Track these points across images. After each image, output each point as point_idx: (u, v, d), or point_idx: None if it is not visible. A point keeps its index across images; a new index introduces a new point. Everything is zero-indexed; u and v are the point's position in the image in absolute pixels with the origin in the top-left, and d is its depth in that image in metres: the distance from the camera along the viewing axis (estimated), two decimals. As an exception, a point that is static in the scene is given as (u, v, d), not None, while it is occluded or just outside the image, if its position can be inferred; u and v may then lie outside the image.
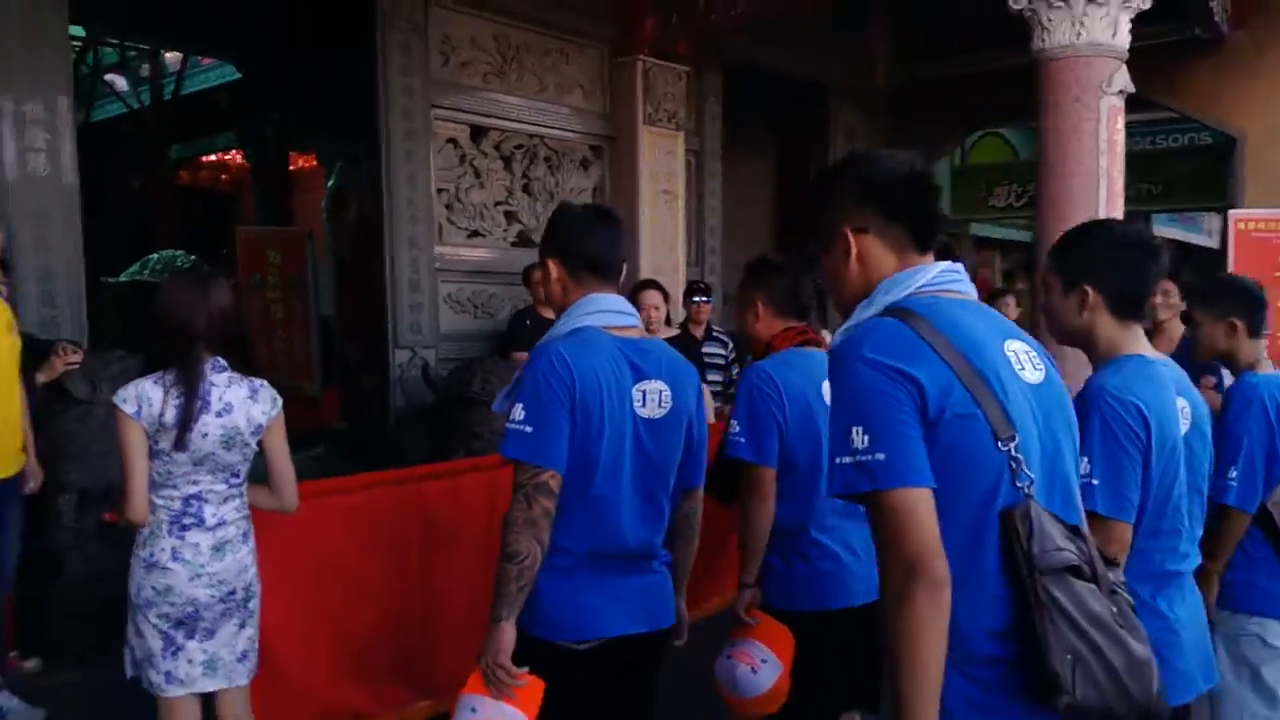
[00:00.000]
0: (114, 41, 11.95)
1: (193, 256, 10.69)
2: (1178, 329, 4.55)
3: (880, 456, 1.48)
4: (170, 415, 2.51)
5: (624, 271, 2.34)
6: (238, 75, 10.43)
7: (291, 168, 11.28)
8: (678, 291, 6.20)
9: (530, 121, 6.46)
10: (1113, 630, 1.50)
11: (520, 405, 2.11)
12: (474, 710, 2.13)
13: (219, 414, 2.57)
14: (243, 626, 2.69)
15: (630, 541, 2.21)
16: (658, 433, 2.22)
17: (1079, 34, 4.66)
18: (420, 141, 5.89)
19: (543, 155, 6.57)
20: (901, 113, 8.66)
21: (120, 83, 12.99)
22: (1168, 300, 4.55)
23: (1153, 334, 4.75)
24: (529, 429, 2.09)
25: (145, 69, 12.72)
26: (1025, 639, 1.48)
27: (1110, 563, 1.64)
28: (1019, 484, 1.51)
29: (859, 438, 1.50)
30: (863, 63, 8.42)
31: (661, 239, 6.72)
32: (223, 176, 14.18)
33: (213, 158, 13.60)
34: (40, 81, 4.62)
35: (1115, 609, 1.53)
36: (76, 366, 3.91)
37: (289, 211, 10.74)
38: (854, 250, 1.67)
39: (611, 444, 2.14)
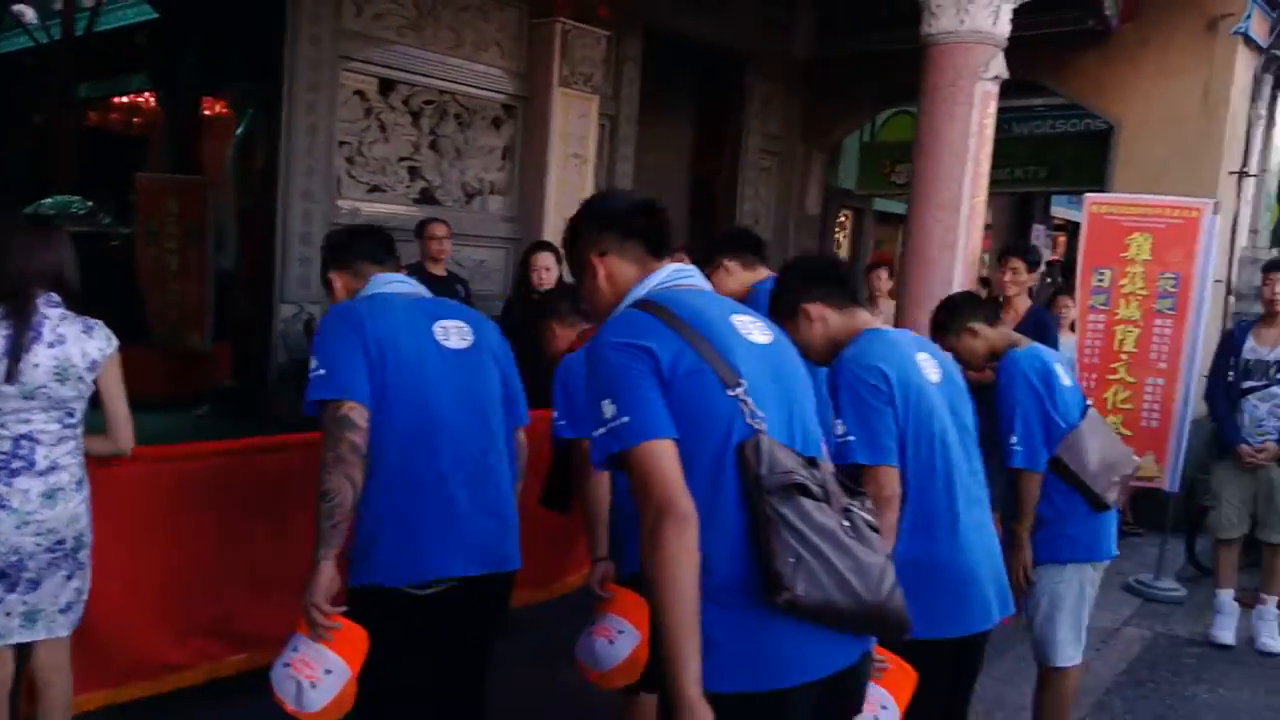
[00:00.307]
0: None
1: (89, 202, 10.41)
2: (1024, 304, 4.89)
3: (625, 420, 1.68)
4: (0, 346, 2.46)
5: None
6: (154, 15, 10.22)
7: (205, 113, 11.10)
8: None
9: (442, 77, 6.50)
10: (839, 539, 1.68)
11: (315, 359, 2.27)
12: (295, 649, 2.23)
13: (51, 345, 2.51)
14: (70, 578, 2.60)
15: (455, 474, 2.34)
16: (464, 363, 2.41)
17: (962, 20, 4.87)
18: (325, 92, 5.90)
19: (453, 112, 6.61)
20: (818, 86, 8.84)
21: (29, 14, 12.58)
22: (1015, 278, 4.86)
23: (1003, 307, 5.06)
24: (323, 371, 2.25)
25: (58, 2, 12.32)
26: (758, 552, 1.66)
27: (856, 493, 1.83)
28: (750, 421, 1.70)
29: (608, 409, 1.70)
30: (782, 33, 8.57)
31: (569, 201, 6.80)
32: (134, 119, 13.84)
33: (124, 99, 13.25)
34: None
35: (848, 523, 1.72)
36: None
37: (199, 159, 10.57)
38: (601, 271, 1.91)
39: (414, 376, 2.31)
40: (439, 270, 5.26)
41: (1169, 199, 5.46)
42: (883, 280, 6.43)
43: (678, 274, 1.90)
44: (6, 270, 2.53)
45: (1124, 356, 5.53)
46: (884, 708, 2.25)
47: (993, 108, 5.06)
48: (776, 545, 1.63)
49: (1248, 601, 4.91)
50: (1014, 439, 3.08)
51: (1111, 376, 5.56)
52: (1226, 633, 4.79)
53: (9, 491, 2.48)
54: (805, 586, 1.62)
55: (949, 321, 3.23)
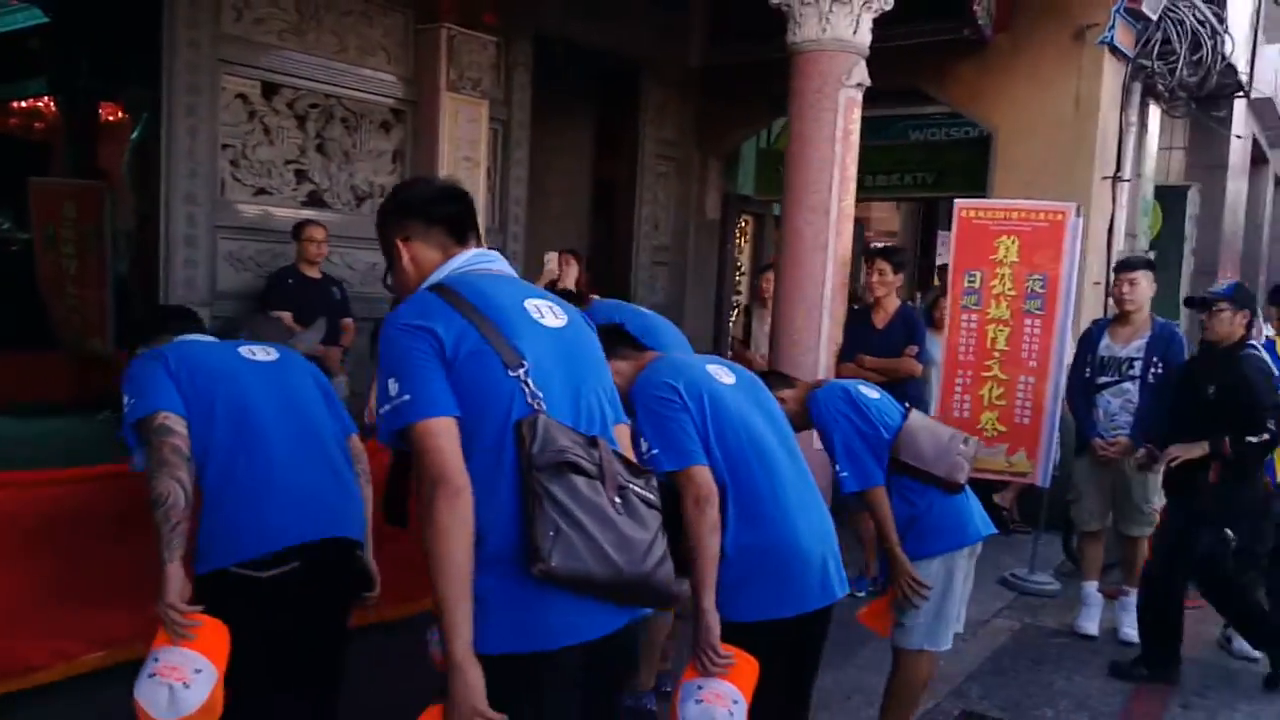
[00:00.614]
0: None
1: (-13, 210, 10.17)
2: (893, 303, 5.06)
3: (407, 397, 1.78)
4: None
5: None
6: (45, 19, 10.01)
7: (103, 118, 10.89)
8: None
9: (327, 81, 6.48)
10: (605, 514, 1.77)
11: (125, 391, 2.41)
12: (156, 659, 2.24)
13: None
14: None
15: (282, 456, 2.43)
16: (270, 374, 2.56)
17: (824, 29, 5.04)
18: (204, 96, 5.85)
19: (339, 116, 6.59)
20: (712, 92, 8.96)
21: (-81, 18, 12.22)
22: (882, 279, 5.04)
23: (873, 308, 5.21)
24: (132, 398, 2.39)
25: (-52, 4, 11.99)
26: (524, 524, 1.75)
27: (640, 472, 1.92)
28: (530, 401, 1.80)
29: (393, 387, 1.80)
30: (676, 40, 8.68)
31: (460, 206, 6.84)
32: (35, 124, 13.50)
33: (23, 104, 12.93)
34: None
35: (620, 500, 1.80)
36: None
37: (98, 163, 10.37)
38: (405, 255, 2.01)
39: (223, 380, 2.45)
40: (314, 273, 5.26)
41: (1035, 203, 5.68)
42: (771, 283, 6.57)
43: (477, 258, 1.99)
44: None
45: (997, 354, 5.74)
46: (735, 703, 2.32)
47: (856, 114, 5.23)
48: (538, 519, 1.72)
49: (1112, 594, 5.10)
50: (839, 468, 3.16)
51: (986, 374, 5.76)
52: (1090, 623, 4.98)
53: None
54: (561, 559, 1.71)
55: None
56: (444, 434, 1.76)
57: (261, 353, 2.58)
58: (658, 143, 8.88)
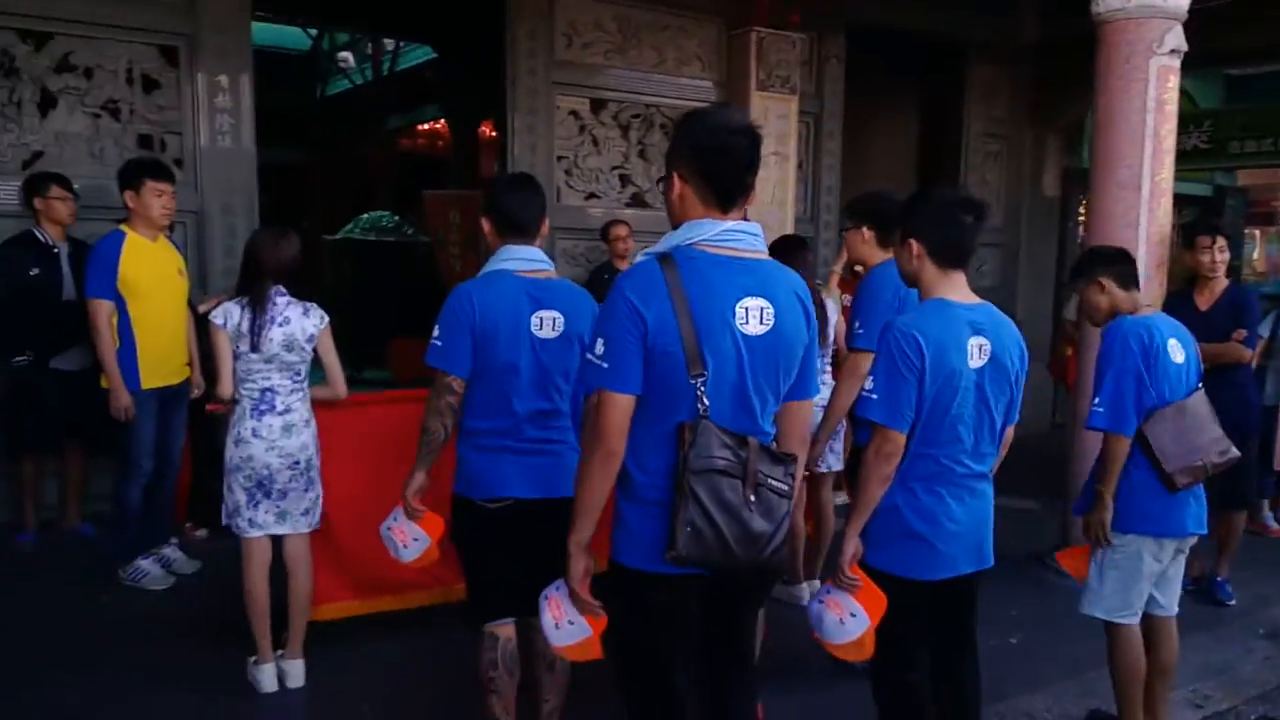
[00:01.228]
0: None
1: (396, 217, 12.01)
2: (1220, 284, 4.94)
3: (605, 365, 2.12)
4: (245, 325, 3.47)
5: (542, 228, 2.98)
6: (434, 54, 11.67)
7: (485, 136, 12.47)
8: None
9: (647, 92, 7.12)
10: (737, 512, 2.10)
11: (436, 327, 2.86)
12: (395, 518, 3.10)
13: (280, 325, 3.50)
14: (307, 490, 3.62)
15: (526, 427, 2.89)
16: (550, 348, 2.88)
17: (1130, -4, 4.77)
18: (541, 116, 6.70)
19: (658, 123, 7.20)
20: (1047, 67, 8.58)
21: (350, 60, 14.63)
22: (1215, 256, 4.90)
23: (1197, 288, 4.85)
24: (440, 344, 2.85)
25: (369, 47, 14.26)
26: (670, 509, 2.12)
27: (780, 459, 2.19)
28: (699, 407, 2.09)
29: (599, 347, 2.13)
30: (1003, 17, 8.41)
31: (771, 198, 7.19)
32: (438, 143, 15.65)
33: (426, 126, 15.03)
34: (229, 61, 5.68)
35: (754, 497, 2.12)
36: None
37: (480, 174, 11.91)
38: (677, 189, 2.17)
39: (509, 354, 2.84)
40: (624, 266, 5.85)
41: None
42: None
43: (725, 235, 2.14)
44: (249, 267, 3.55)
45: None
46: (852, 615, 2.65)
47: (1173, 82, 4.91)
48: (681, 512, 2.08)
49: None
50: (1096, 400, 3.20)
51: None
52: None
53: (259, 425, 3.52)
54: (689, 549, 2.08)
55: (1084, 269, 3.42)
56: (619, 408, 2.11)
57: (548, 326, 2.89)
58: (987, 121, 8.66)
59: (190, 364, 4.77)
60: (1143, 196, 4.92)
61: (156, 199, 4.48)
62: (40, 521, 5.20)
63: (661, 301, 2.07)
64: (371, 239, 11.73)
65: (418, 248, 11.42)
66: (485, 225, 2.97)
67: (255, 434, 3.53)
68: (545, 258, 2.96)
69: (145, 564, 4.66)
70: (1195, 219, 6.66)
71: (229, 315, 3.50)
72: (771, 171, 7.20)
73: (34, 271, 4.90)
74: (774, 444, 2.27)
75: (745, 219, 2.23)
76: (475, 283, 2.88)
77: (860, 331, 3.64)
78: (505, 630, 3.01)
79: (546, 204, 3.04)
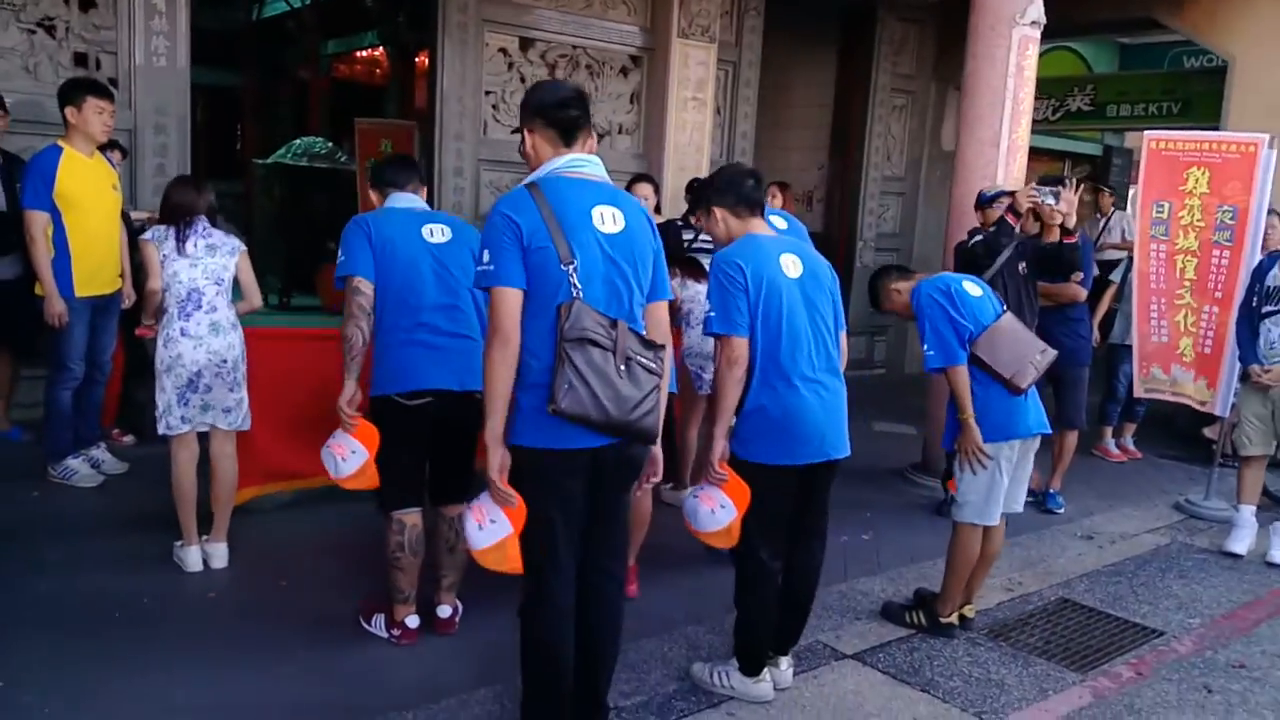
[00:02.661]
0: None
1: (329, 144, 12.14)
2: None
3: (491, 267, 2.54)
4: (171, 237, 3.91)
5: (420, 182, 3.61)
6: (375, -23, 11.75)
7: (421, 66, 12.60)
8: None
9: (574, 34, 7.47)
10: (608, 377, 2.51)
11: (340, 251, 3.33)
12: (334, 437, 3.41)
13: (203, 235, 3.96)
14: (231, 390, 4.01)
15: (436, 319, 3.36)
16: (443, 249, 3.42)
17: (997, -33, 5.25)
18: (471, 50, 7.03)
19: (584, 63, 7.57)
20: (950, 27, 9.03)
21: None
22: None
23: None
24: (343, 257, 3.31)
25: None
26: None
27: (651, 346, 2.63)
28: (573, 291, 2.52)
29: (485, 256, 2.56)
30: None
31: (688, 142, 7.63)
32: (375, 71, 15.68)
33: (364, 53, 15.04)
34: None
35: (624, 368, 2.54)
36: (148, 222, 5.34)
37: (415, 106, 12.07)
38: (529, 142, 2.68)
39: (406, 252, 3.36)
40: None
41: (1226, 135, 5.60)
42: None
43: (574, 162, 2.63)
44: (180, 206, 3.97)
45: (1187, 283, 5.77)
46: (722, 506, 3.11)
47: (1032, 50, 5.42)
48: (559, 374, 2.49)
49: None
50: (926, 347, 3.77)
51: (1179, 301, 5.82)
52: (1239, 545, 5.09)
53: (187, 325, 3.90)
54: (567, 404, 2.48)
55: (877, 285, 4.09)
56: (507, 300, 2.52)
57: (439, 234, 3.45)
58: (894, 76, 9.14)
59: (122, 275, 5.08)
60: (1000, 152, 5.48)
61: (97, 115, 4.74)
62: (-33, 424, 5.48)
63: (531, 212, 2.52)
64: (303, 164, 11.86)
65: (349, 175, 11.60)
66: (374, 197, 3.59)
67: (184, 333, 3.91)
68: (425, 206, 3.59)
69: (74, 463, 4.99)
70: (1048, 175, 7.23)
71: (158, 232, 3.94)
72: (689, 115, 7.63)
73: (-34, 181, 5.14)
74: (644, 332, 2.68)
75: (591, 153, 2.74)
76: (369, 214, 3.48)
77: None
78: (412, 518, 3.48)
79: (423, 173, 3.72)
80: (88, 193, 4.77)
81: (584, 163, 2.65)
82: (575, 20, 7.44)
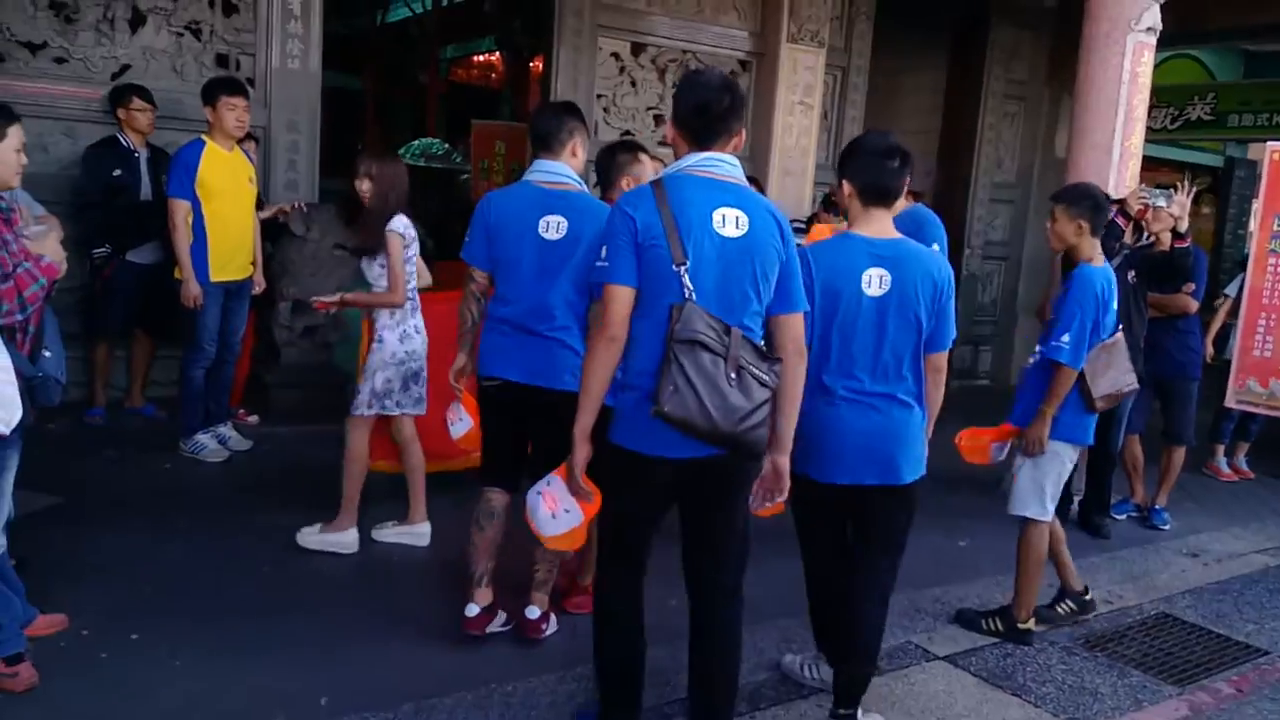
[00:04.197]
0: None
1: (446, 145, 12.57)
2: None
3: (606, 264, 2.54)
4: (410, 233, 4.04)
5: (565, 142, 3.37)
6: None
7: (536, 70, 12.93)
8: (806, 189, 7.51)
9: (684, 39, 7.62)
10: (716, 383, 2.42)
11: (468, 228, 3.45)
12: (451, 407, 3.67)
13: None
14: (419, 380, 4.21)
15: (526, 317, 3.34)
16: (553, 248, 3.30)
17: (1112, -27, 5.18)
18: (585, 55, 7.23)
19: (693, 67, 7.67)
20: (1065, 32, 8.85)
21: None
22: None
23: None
24: (467, 240, 3.44)
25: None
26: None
27: (767, 358, 2.53)
28: (684, 291, 2.46)
29: (603, 252, 2.55)
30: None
31: (794, 146, 7.68)
32: (491, 75, 16.14)
33: (481, 58, 15.50)
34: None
35: (734, 376, 2.44)
36: (290, 214, 5.64)
37: (528, 108, 12.39)
38: (670, 135, 2.70)
39: (515, 249, 3.34)
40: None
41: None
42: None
43: (705, 162, 2.57)
44: (400, 198, 4.07)
45: (1303, 297, 5.60)
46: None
47: (1147, 57, 5.33)
48: (665, 376, 2.42)
49: None
50: (1066, 336, 3.65)
51: (1292, 315, 5.64)
52: None
53: (418, 323, 4.16)
54: (671, 406, 2.41)
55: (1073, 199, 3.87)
56: (618, 299, 2.51)
57: (553, 229, 3.30)
58: (1006, 82, 9.02)
59: (254, 263, 5.40)
60: (1113, 159, 5.38)
61: (230, 112, 5.06)
62: (108, 400, 5.88)
63: (649, 208, 2.50)
64: (420, 164, 12.31)
65: (460, 175, 11.98)
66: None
67: (417, 330, 4.16)
68: (568, 173, 3.36)
69: (203, 439, 5.32)
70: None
71: (405, 226, 4.02)
72: (795, 119, 7.68)
73: (116, 173, 5.54)
74: (760, 342, 2.57)
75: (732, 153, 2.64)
76: (498, 190, 3.50)
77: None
78: (493, 495, 3.50)
79: (581, 128, 3.44)
80: (226, 184, 5.09)
81: (717, 163, 2.59)
82: (686, 25, 7.58)
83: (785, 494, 2.76)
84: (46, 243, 3.04)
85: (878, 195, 2.97)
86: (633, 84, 7.54)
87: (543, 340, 3.35)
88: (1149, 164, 11.91)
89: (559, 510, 2.72)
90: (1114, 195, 5.27)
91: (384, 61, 15.46)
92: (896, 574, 3.18)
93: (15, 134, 3.00)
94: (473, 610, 3.50)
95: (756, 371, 2.50)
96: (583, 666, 3.28)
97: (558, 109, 3.54)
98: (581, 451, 2.62)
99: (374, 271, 4.08)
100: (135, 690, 3.06)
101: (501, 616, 3.56)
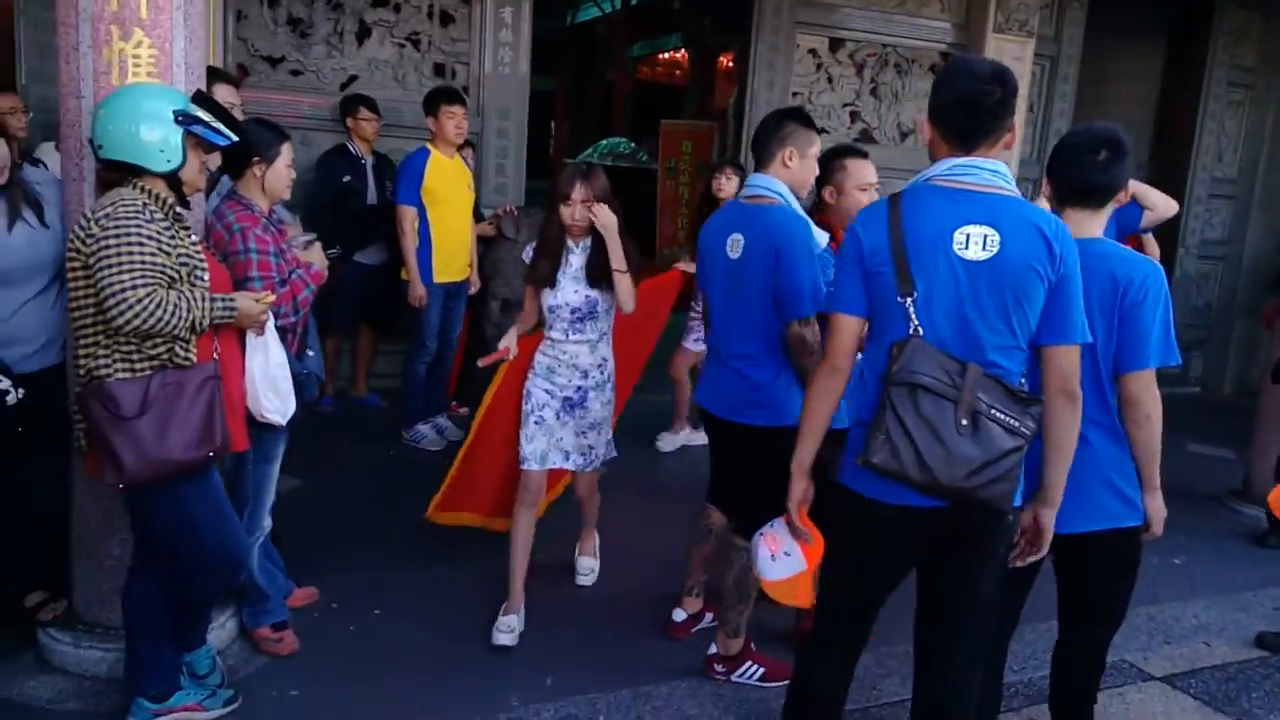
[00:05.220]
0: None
1: (632, 144, 12.81)
2: None
3: (832, 289, 2.35)
4: None
5: (775, 153, 3.15)
6: (680, -16, 12.28)
7: (723, 67, 13.01)
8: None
9: (885, 33, 7.50)
10: (939, 432, 2.11)
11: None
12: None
13: None
14: None
15: (718, 346, 3.31)
16: (736, 268, 3.16)
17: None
18: (781, 53, 7.22)
19: (893, 62, 7.58)
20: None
21: (597, -14, 15.41)
22: None
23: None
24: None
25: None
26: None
27: (1023, 401, 2.16)
28: (910, 326, 2.16)
29: (832, 273, 2.40)
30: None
31: (1002, 137, 7.44)
32: (675, 73, 16.32)
33: (666, 56, 15.70)
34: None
35: (967, 422, 2.12)
36: (502, 217, 5.91)
37: (715, 105, 12.51)
38: (928, 134, 2.30)
39: (709, 273, 3.29)
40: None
41: None
42: None
43: (955, 170, 2.20)
44: None
45: None
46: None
47: None
48: (877, 420, 2.16)
49: None
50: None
51: None
52: None
53: None
54: (880, 457, 2.14)
55: None
56: (842, 329, 2.28)
57: (734, 248, 3.17)
58: (1231, 69, 8.44)
59: (470, 265, 5.70)
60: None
61: (450, 120, 5.36)
62: (335, 390, 6.29)
63: (879, 228, 2.22)
64: (608, 164, 12.60)
65: (646, 175, 12.18)
66: None
67: None
68: (771, 185, 3.15)
69: (424, 429, 5.66)
70: None
71: None
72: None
73: (346, 179, 5.92)
74: (1020, 384, 2.24)
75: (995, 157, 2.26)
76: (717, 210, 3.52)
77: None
78: (713, 512, 3.51)
79: (796, 133, 3.18)
80: (449, 191, 5.40)
81: (971, 170, 2.20)
82: (886, 18, 7.46)
83: (1043, 551, 2.42)
84: (312, 251, 3.34)
85: (1076, 194, 2.56)
86: (829, 80, 7.49)
87: (724, 369, 3.26)
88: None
89: (779, 553, 2.58)
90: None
91: (574, 61, 15.89)
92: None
93: (287, 151, 3.29)
94: (679, 615, 3.66)
95: (1003, 417, 2.15)
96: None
97: (770, 118, 3.28)
98: (798, 487, 2.43)
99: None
100: (381, 662, 3.33)
101: (708, 618, 3.66)
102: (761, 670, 3.34)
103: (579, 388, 3.62)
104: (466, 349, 6.14)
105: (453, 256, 5.52)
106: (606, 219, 3.46)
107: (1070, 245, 2.20)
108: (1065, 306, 2.21)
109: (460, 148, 5.63)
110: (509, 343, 3.62)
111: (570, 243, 3.55)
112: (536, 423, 3.61)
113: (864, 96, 7.60)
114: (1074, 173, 2.56)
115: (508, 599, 3.61)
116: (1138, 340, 2.49)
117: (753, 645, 3.39)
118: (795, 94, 7.39)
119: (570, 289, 3.54)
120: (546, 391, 3.62)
